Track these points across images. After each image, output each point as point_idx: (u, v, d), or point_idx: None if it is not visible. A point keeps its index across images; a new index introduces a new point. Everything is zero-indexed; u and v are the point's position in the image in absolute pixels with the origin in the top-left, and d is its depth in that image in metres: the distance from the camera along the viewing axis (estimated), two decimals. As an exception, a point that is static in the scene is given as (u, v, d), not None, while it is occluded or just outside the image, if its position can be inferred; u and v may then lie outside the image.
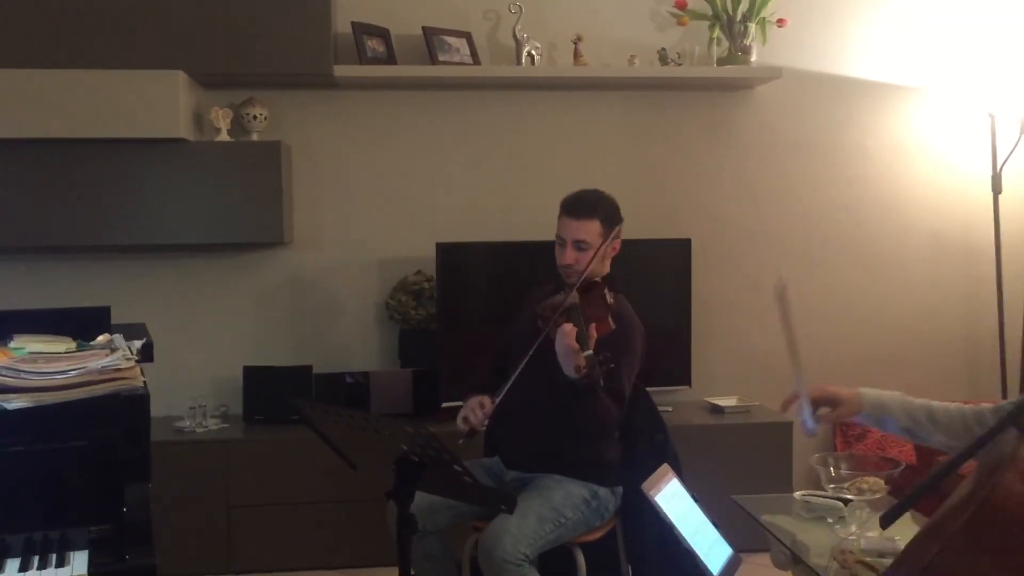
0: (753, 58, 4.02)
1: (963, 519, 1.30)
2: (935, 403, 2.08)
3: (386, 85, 4.03)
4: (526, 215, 4.08)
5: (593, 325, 2.47)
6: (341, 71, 3.80)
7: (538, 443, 2.80)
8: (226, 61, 3.72)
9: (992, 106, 4.13)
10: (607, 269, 2.82)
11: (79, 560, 1.91)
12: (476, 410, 2.69)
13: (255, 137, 3.90)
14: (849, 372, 4.26)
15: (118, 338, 2.26)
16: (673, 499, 2.23)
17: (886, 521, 1.48)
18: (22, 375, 1.98)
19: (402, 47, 3.98)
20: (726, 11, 3.99)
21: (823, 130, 4.25)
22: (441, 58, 3.90)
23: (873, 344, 4.28)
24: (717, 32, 4.03)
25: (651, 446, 2.86)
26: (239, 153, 3.79)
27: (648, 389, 2.97)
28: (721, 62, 4.04)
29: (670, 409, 3.90)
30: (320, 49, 3.75)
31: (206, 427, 3.80)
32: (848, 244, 4.28)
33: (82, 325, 2.32)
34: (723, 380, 4.21)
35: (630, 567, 2.87)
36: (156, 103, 3.59)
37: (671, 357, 3.94)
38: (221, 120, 3.82)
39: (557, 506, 2.64)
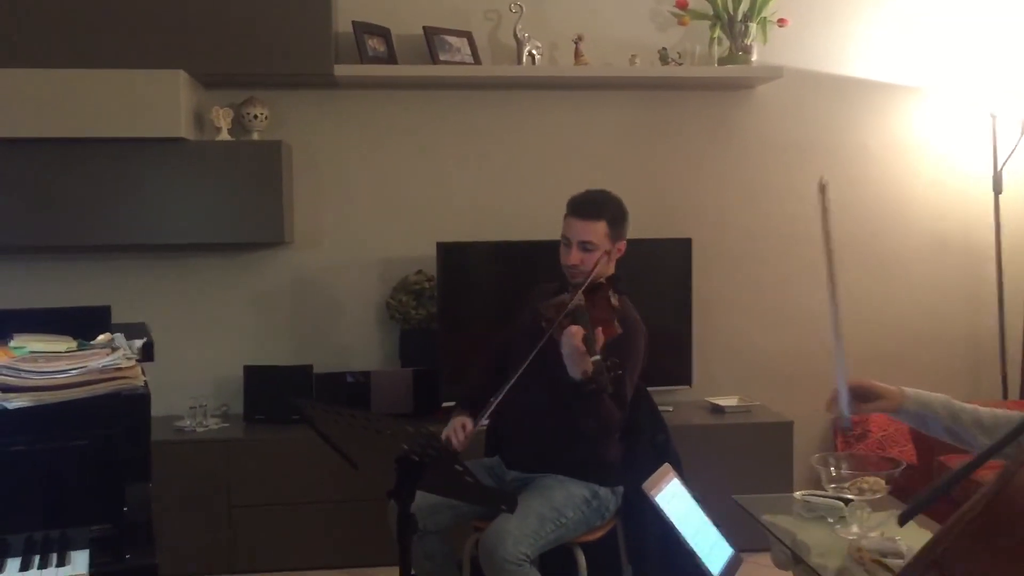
0: (754, 58, 4.02)
1: (974, 513, 1.30)
2: (982, 408, 2.06)
3: (387, 85, 4.03)
4: (527, 215, 4.08)
5: (600, 329, 2.46)
6: (342, 71, 3.80)
7: (539, 443, 2.80)
8: (227, 60, 3.72)
9: (993, 106, 4.13)
10: (612, 270, 2.81)
11: (80, 559, 1.92)
12: (458, 432, 2.75)
13: (256, 137, 3.90)
14: (850, 370, 4.26)
15: (119, 337, 2.26)
16: (674, 499, 2.23)
17: (905, 518, 1.48)
18: (23, 374, 1.98)
19: (403, 47, 3.98)
20: (727, 11, 3.99)
21: (824, 130, 4.24)
22: (442, 58, 3.90)
23: (874, 343, 4.28)
24: (718, 32, 4.03)
25: (652, 446, 2.86)
26: (240, 153, 3.79)
27: (649, 389, 2.97)
28: (722, 62, 4.04)
29: (671, 409, 3.90)
30: (321, 49, 3.75)
31: (207, 427, 3.80)
32: (849, 244, 4.27)
33: (83, 324, 2.32)
34: (724, 380, 4.21)
35: (631, 567, 2.87)
36: (157, 102, 3.59)
37: (672, 357, 3.94)
38: (222, 119, 3.82)
39: (558, 506, 2.64)
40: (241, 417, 3.94)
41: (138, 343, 2.25)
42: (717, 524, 2.31)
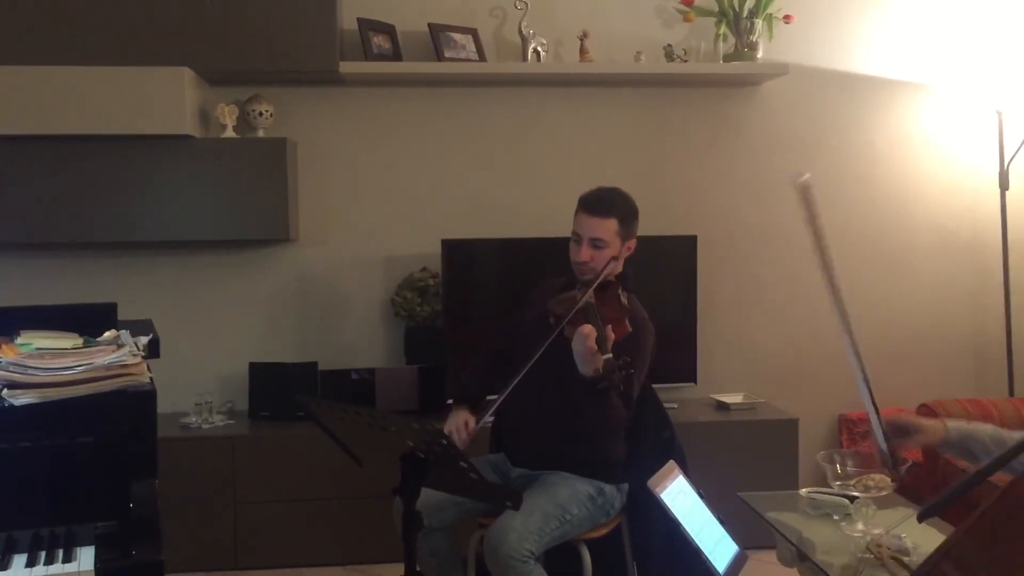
0: (759, 54, 4.01)
1: (983, 508, 1.32)
2: None
3: (392, 82, 4.03)
4: (532, 212, 4.08)
5: (610, 327, 2.46)
6: (347, 68, 3.80)
7: (544, 440, 2.80)
8: (232, 58, 3.72)
9: (1000, 103, 4.11)
10: (620, 268, 2.80)
11: (86, 556, 1.92)
12: (461, 430, 2.75)
13: (261, 134, 3.90)
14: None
15: (124, 334, 2.26)
16: (679, 496, 2.23)
17: (924, 516, 1.49)
18: (29, 371, 1.99)
19: (408, 44, 3.98)
20: (732, 7, 3.98)
21: (830, 126, 4.23)
22: (447, 55, 3.90)
23: (880, 340, 4.27)
24: (723, 28, 4.02)
25: (657, 443, 2.85)
26: (245, 150, 3.80)
27: (654, 386, 2.97)
28: (727, 58, 4.03)
29: (676, 406, 3.90)
30: (326, 46, 3.75)
31: (212, 423, 3.80)
32: (855, 240, 4.26)
33: (89, 321, 2.32)
34: (729, 377, 4.21)
35: (636, 564, 2.86)
36: (162, 100, 3.59)
37: (677, 354, 3.93)
38: (227, 117, 3.82)
39: (563, 503, 2.64)
40: (246, 414, 3.95)
41: (144, 340, 2.25)
42: (722, 521, 2.31)
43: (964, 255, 4.31)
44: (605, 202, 2.75)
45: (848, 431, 4.17)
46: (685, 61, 4.04)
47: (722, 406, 4.01)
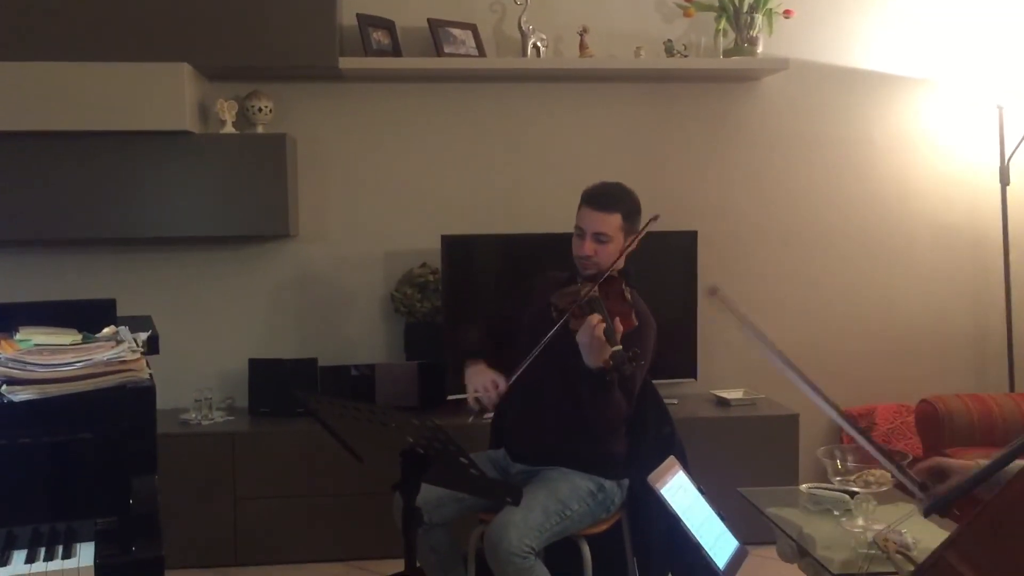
0: (759, 49, 4.00)
1: (986, 501, 1.34)
2: None
3: (391, 77, 4.02)
4: (531, 208, 4.07)
5: (618, 319, 2.46)
6: (346, 63, 3.80)
7: (544, 436, 2.79)
8: (231, 53, 3.72)
9: (1000, 98, 4.11)
10: (622, 264, 2.80)
11: (86, 552, 1.92)
12: (490, 391, 2.65)
13: (260, 129, 3.89)
14: (855, 365, 4.26)
15: (124, 330, 2.26)
16: (679, 492, 2.23)
17: (929, 511, 1.50)
18: (28, 367, 1.99)
19: (407, 39, 3.97)
20: (732, 2, 3.97)
21: (830, 122, 4.23)
22: (446, 50, 3.89)
23: (880, 336, 4.27)
24: (723, 23, 4.01)
25: (657, 439, 2.85)
26: (244, 145, 3.79)
27: (654, 382, 2.97)
28: (727, 53, 4.02)
29: (676, 402, 3.89)
30: (325, 41, 3.74)
31: (212, 420, 3.80)
32: (855, 236, 4.26)
33: (88, 317, 2.32)
34: (729, 373, 4.20)
35: (636, 560, 2.86)
36: (161, 95, 3.58)
37: (677, 349, 3.93)
38: (226, 112, 3.82)
39: (563, 499, 2.63)
40: (246, 410, 3.95)
41: (143, 336, 2.25)
42: (722, 517, 2.32)
43: (965, 251, 4.31)
44: (609, 197, 2.75)
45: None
46: (685, 56, 4.03)
47: (722, 402, 4.01)
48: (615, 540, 2.85)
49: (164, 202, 3.73)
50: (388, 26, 3.94)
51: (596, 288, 2.56)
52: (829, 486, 2.45)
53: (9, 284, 3.89)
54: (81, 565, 1.88)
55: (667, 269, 3.98)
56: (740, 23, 3.98)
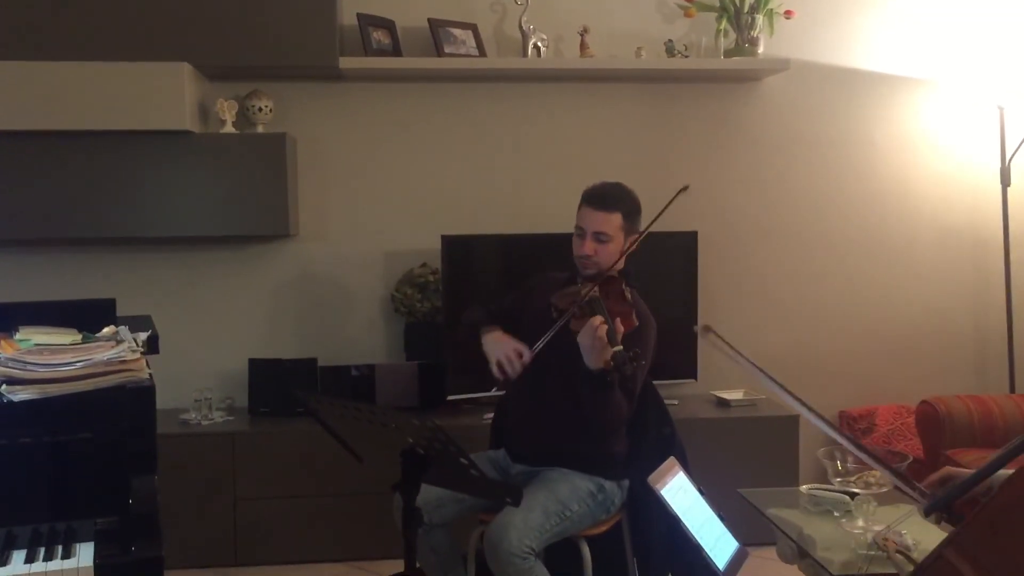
0: (760, 50, 4.00)
1: (987, 500, 1.34)
2: None
3: (391, 77, 4.02)
4: (532, 207, 4.07)
5: (619, 319, 2.46)
6: (346, 63, 3.79)
7: (545, 436, 2.79)
8: (231, 53, 3.71)
9: (1001, 98, 4.10)
10: (622, 264, 2.80)
11: (85, 552, 1.92)
12: (514, 360, 2.60)
13: (260, 129, 3.89)
14: (855, 365, 4.26)
15: (123, 330, 2.26)
16: (679, 492, 2.22)
17: (929, 511, 1.51)
18: (28, 367, 1.99)
19: (408, 39, 3.97)
20: (733, 2, 3.97)
21: (831, 122, 4.23)
22: (447, 50, 3.89)
23: (880, 337, 4.27)
24: (724, 24, 4.01)
25: (658, 439, 2.85)
26: (244, 145, 3.79)
27: (654, 382, 2.96)
28: (728, 54, 4.02)
29: (676, 402, 3.89)
30: (325, 41, 3.74)
31: (211, 420, 3.80)
32: (856, 237, 4.26)
33: (88, 317, 2.32)
34: (729, 373, 4.19)
35: (636, 560, 2.86)
36: (161, 95, 3.58)
37: (677, 350, 3.92)
38: (226, 112, 3.82)
39: (563, 499, 2.63)
40: (246, 410, 3.94)
41: (143, 336, 2.25)
42: (722, 518, 2.31)
43: (965, 251, 4.31)
44: (610, 197, 2.75)
45: (849, 427, 4.17)
46: (686, 57, 4.02)
47: (722, 402, 4.01)
48: (615, 541, 2.85)
49: (164, 202, 3.73)
50: (388, 26, 3.94)
51: (596, 288, 2.56)
52: (829, 487, 2.45)
53: (9, 284, 3.88)
54: (81, 565, 1.88)
55: (667, 269, 3.97)
56: (741, 23, 3.97)
